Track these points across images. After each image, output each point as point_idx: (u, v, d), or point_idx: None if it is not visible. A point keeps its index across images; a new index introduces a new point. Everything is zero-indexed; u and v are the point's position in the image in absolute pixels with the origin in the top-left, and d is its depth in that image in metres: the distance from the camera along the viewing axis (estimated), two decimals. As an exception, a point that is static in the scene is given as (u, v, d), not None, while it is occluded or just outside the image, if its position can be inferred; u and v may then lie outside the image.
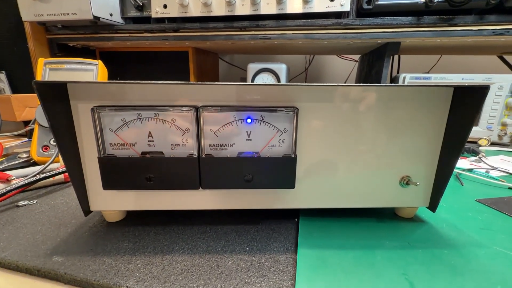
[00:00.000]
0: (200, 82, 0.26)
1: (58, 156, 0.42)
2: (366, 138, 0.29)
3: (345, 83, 1.21)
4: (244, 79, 0.96)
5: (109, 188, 0.27)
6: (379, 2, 0.64)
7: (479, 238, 0.28)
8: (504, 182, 0.43)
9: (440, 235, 0.29)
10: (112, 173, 0.27)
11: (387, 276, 0.22)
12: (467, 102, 0.26)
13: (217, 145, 0.27)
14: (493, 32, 0.63)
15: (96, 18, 0.74)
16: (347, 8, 0.66)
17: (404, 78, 0.75)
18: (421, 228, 0.30)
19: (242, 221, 0.31)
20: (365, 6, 0.65)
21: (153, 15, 0.76)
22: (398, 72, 0.99)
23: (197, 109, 0.26)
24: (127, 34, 0.82)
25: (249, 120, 0.27)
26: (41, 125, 0.47)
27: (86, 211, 0.28)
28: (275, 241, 0.27)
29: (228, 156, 0.27)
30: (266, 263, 0.24)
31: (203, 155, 0.27)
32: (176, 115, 0.26)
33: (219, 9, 0.72)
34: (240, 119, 0.27)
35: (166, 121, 0.26)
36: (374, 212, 0.33)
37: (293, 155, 0.27)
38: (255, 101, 0.27)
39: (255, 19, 0.72)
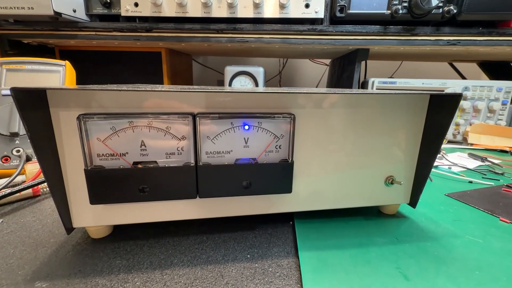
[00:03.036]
0: (196, 88, 0.25)
1: (24, 168, 0.38)
2: (356, 142, 0.30)
3: (317, 86, 1.26)
4: (221, 82, 0.95)
5: (98, 203, 0.25)
6: (350, 11, 0.68)
7: (453, 229, 0.31)
8: (464, 176, 0.49)
9: (421, 228, 0.31)
10: (101, 186, 0.25)
11: (383, 271, 0.24)
12: (442, 108, 0.29)
13: (214, 153, 0.27)
14: (447, 42, 0.71)
15: (58, 14, 0.68)
16: (321, 15, 0.69)
17: (373, 82, 0.80)
18: (405, 223, 0.33)
19: (238, 228, 0.31)
20: (338, 14, 0.68)
21: (123, 13, 0.71)
22: (365, 77, 1.06)
23: (194, 116, 0.25)
24: (93, 33, 0.76)
25: (246, 127, 0.27)
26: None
27: (69, 228, 0.26)
28: (275, 246, 0.28)
29: (226, 163, 0.27)
30: (270, 269, 0.24)
31: (200, 163, 0.26)
32: (171, 123, 0.25)
33: (194, 10, 0.70)
34: (238, 126, 0.26)
35: (160, 129, 0.25)
36: (360, 211, 0.35)
37: (290, 160, 0.28)
38: (252, 107, 0.27)
39: (232, 22, 0.72)
